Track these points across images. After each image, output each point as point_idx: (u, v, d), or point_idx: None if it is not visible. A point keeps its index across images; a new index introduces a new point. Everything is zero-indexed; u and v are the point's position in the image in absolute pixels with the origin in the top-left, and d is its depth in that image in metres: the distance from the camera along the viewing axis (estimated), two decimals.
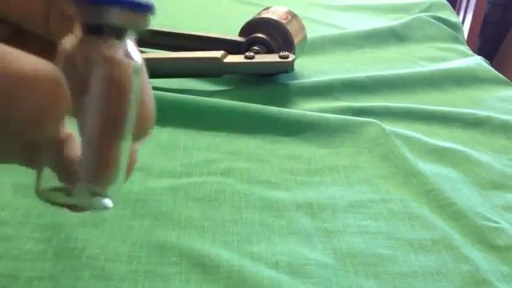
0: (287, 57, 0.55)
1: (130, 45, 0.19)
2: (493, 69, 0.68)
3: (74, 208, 0.20)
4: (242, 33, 0.60)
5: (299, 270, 0.31)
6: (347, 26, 0.81)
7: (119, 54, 0.18)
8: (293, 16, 0.61)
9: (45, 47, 0.23)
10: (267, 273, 0.30)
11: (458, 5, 1.96)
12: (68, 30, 0.19)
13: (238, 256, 0.32)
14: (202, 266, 0.30)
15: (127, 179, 0.21)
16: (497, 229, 0.36)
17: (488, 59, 0.73)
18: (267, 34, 0.59)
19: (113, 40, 0.18)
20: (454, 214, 0.38)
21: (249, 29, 0.60)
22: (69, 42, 0.18)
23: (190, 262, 0.31)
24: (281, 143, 0.46)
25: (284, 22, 0.59)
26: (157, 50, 0.61)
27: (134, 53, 0.19)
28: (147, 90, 0.20)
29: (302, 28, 0.62)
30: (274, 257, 0.32)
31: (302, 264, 0.32)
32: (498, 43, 2.01)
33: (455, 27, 0.84)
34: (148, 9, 0.18)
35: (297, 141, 0.46)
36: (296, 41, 0.59)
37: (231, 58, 0.55)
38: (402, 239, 0.35)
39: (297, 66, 0.58)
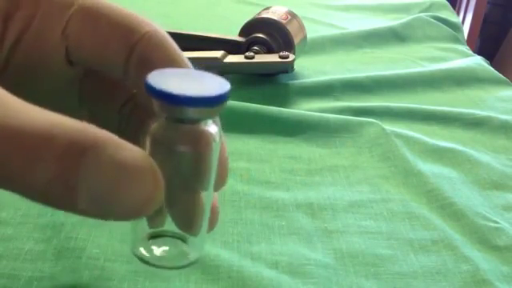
0: (287, 57, 0.55)
1: (209, 122, 0.21)
2: (493, 69, 0.68)
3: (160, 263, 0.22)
4: (242, 33, 0.60)
5: (299, 270, 0.31)
6: (347, 26, 0.81)
7: (199, 136, 0.20)
8: (293, 16, 0.61)
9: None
10: (267, 273, 0.30)
11: (458, 5, 1.96)
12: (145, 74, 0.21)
13: (237, 256, 0.32)
14: (202, 266, 0.30)
15: (212, 229, 0.24)
16: (497, 229, 0.36)
17: (488, 59, 0.73)
18: (267, 34, 0.59)
19: (193, 125, 0.20)
20: (453, 213, 0.38)
21: (249, 29, 0.60)
22: (153, 127, 0.20)
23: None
24: (281, 143, 0.46)
25: (284, 21, 0.59)
26: None
27: (212, 127, 0.21)
28: (224, 154, 0.23)
29: (302, 28, 0.62)
30: (274, 257, 0.32)
31: (302, 264, 0.32)
32: (498, 43, 2.01)
33: (455, 27, 0.84)
34: (223, 101, 0.19)
35: (297, 141, 0.46)
36: (296, 41, 0.59)
37: (231, 58, 0.55)
38: (401, 239, 0.35)
39: (297, 66, 0.58)
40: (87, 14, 0.22)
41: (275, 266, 0.31)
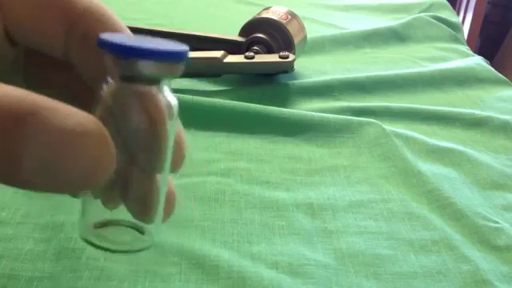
0: (287, 57, 0.55)
1: (165, 88, 0.19)
2: (493, 69, 0.68)
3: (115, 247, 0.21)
4: (242, 33, 0.60)
5: (299, 270, 0.31)
6: (347, 26, 0.81)
7: (155, 99, 0.19)
8: (293, 16, 0.61)
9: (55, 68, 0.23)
10: (267, 273, 0.30)
11: (457, 5, 1.96)
12: (88, 55, 0.20)
13: (237, 256, 0.32)
14: (202, 266, 0.30)
15: (168, 217, 0.22)
16: (497, 229, 0.36)
17: (488, 59, 0.73)
18: (267, 33, 0.59)
19: (148, 86, 0.19)
20: (453, 214, 0.38)
21: (249, 29, 0.60)
22: (104, 90, 0.19)
23: (190, 262, 0.31)
24: (281, 143, 0.46)
25: (284, 22, 0.59)
26: None
27: (169, 95, 0.19)
28: (180, 129, 0.21)
29: (302, 28, 0.62)
30: (274, 257, 0.32)
31: (302, 264, 0.32)
32: (498, 43, 2.01)
33: (455, 27, 0.84)
34: (181, 58, 0.18)
35: (297, 141, 0.46)
36: (296, 41, 0.59)
37: (231, 58, 0.55)
38: (402, 239, 0.35)
39: (297, 65, 0.58)
40: None
41: (275, 266, 0.31)
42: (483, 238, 0.36)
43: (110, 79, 0.19)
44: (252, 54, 0.56)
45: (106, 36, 0.18)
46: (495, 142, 0.50)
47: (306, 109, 0.52)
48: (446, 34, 0.80)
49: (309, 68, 0.63)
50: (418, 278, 0.32)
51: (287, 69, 0.56)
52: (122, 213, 0.21)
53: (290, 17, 0.60)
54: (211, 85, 0.56)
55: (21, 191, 0.35)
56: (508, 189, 0.42)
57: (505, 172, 0.44)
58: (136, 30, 0.62)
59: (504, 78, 0.65)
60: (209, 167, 0.41)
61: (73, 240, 0.31)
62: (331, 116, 0.49)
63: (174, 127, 0.20)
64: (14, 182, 0.17)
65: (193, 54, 0.55)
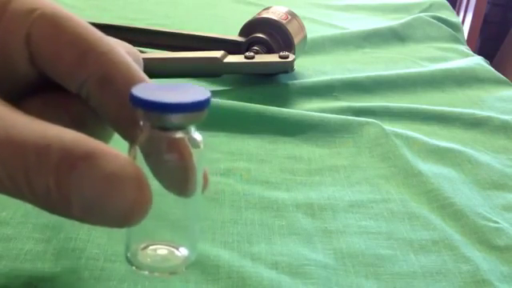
0: (287, 57, 0.55)
1: (192, 129, 0.22)
2: (493, 69, 0.68)
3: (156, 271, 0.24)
4: (241, 33, 0.60)
5: (299, 270, 0.31)
6: (347, 26, 0.81)
7: (183, 143, 0.22)
8: (293, 16, 0.61)
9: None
10: (267, 273, 0.30)
11: (457, 5, 1.96)
12: (106, 97, 0.22)
13: (237, 256, 0.32)
14: (202, 266, 0.30)
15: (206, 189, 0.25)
16: (497, 229, 0.36)
17: (488, 59, 0.73)
18: (267, 34, 0.59)
19: (177, 132, 0.21)
20: (453, 214, 0.38)
21: (249, 29, 0.60)
22: (140, 137, 0.21)
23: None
24: (281, 143, 0.46)
25: (284, 22, 0.59)
26: (157, 50, 0.61)
27: (195, 134, 0.22)
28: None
29: (302, 28, 0.62)
30: (274, 257, 0.32)
31: (302, 264, 0.32)
32: (498, 43, 2.01)
33: (455, 27, 0.84)
34: (205, 106, 0.21)
35: (297, 141, 0.46)
36: (296, 41, 0.59)
37: (231, 58, 0.55)
38: (401, 239, 0.35)
39: (297, 66, 0.58)
40: (48, 21, 0.22)
41: (275, 266, 0.31)
42: (483, 237, 0.36)
43: (142, 125, 0.21)
44: (252, 54, 0.55)
45: (137, 92, 0.20)
46: (495, 142, 0.50)
47: (306, 109, 0.52)
48: (445, 34, 0.80)
49: (309, 68, 0.63)
50: (417, 278, 0.32)
51: (287, 69, 0.56)
52: (162, 235, 0.24)
53: (289, 17, 0.60)
54: (211, 85, 0.56)
55: None
56: (508, 189, 0.42)
57: (505, 172, 0.44)
58: (136, 30, 0.61)
59: (504, 78, 0.65)
60: (209, 167, 0.41)
61: (73, 240, 0.31)
62: (331, 116, 0.49)
63: (202, 159, 0.23)
64: (68, 216, 0.19)
65: (193, 54, 0.55)
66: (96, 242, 0.31)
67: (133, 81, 0.23)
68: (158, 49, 0.61)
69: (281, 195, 0.38)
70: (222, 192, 0.38)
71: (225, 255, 0.31)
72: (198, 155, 0.22)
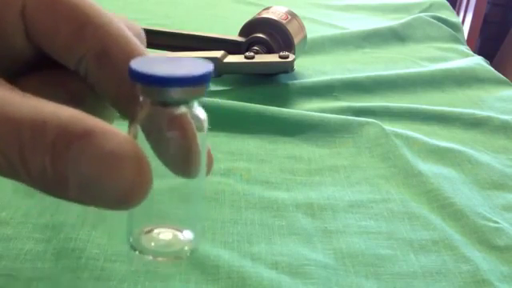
0: (287, 57, 0.55)
1: (194, 104, 0.21)
2: (493, 69, 0.68)
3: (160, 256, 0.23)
4: (242, 33, 0.60)
5: (299, 270, 0.31)
6: (347, 26, 0.81)
7: (185, 118, 0.21)
8: (293, 16, 0.61)
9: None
10: (267, 273, 0.30)
11: (457, 5, 1.96)
12: (104, 72, 0.21)
13: (237, 256, 0.32)
14: (202, 266, 0.30)
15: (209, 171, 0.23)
16: (497, 229, 0.36)
17: (488, 59, 0.73)
18: (267, 34, 0.59)
19: (178, 107, 0.20)
20: (453, 214, 0.38)
21: (249, 29, 0.60)
22: (140, 114, 0.20)
23: (190, 262, 0.31)
24: (281, 143, 0.46)
25: (284, 22, 0.59)
26: (157, 50, 0.61)
27: (198, 110, 0.21)
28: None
29: (302, 28, 0.62)
30: (274, 257, 0.32)
31: (302, 264, 0.32)
32: (498, 43, 2.01)
33: (455, 27, 0.84)
34: (207, 79, 0.20)
35: (297, 141, 0.46)
36: (296, 41, 0.59)
37: (231, 58, 0.55)
38: (401, 239, 0.35)
39: (297, 66, 0.58)
40: None
41: (275, 266, 0.31)
42: (483, 237, 0.36)
43: (141, 102, 0.20)
44: (252, 54, 0.56)
45: (136, 66, 0.19)
46: (495, 142, 0.50)
47: (306, 109, 0.52)
48: (445, 34, 0.80)
49: (309, 68, 0.63)
50: (417, 278, 0.32)
51: (287, 69, 0.56)
52: (165, 218, 0.23)
53: (289, 17, 0.60)
54: (211, 85, 0.56)
55: (21, 191, 0.35)
56: (508, 189, 0.42)
57: (505, 172, 0.44)
58: None
59: (504, 78, 0.65)
60: None
61: (73, 240, 0.31)
62: (331, 116, 0.49)
63: (205, 138, 0.21)
64: (63, 198, 0.19)
65: (193, 54, 0.55)
66: (96, 242, 0.31)
67: (132, 55, 0.21)
68: (158, 49, 0.61)
69: (281, 195, 0.38)
70: (222, 192, 0.38)
71: (225, 255, 0.31)
72: (202, 137, 0.21)
